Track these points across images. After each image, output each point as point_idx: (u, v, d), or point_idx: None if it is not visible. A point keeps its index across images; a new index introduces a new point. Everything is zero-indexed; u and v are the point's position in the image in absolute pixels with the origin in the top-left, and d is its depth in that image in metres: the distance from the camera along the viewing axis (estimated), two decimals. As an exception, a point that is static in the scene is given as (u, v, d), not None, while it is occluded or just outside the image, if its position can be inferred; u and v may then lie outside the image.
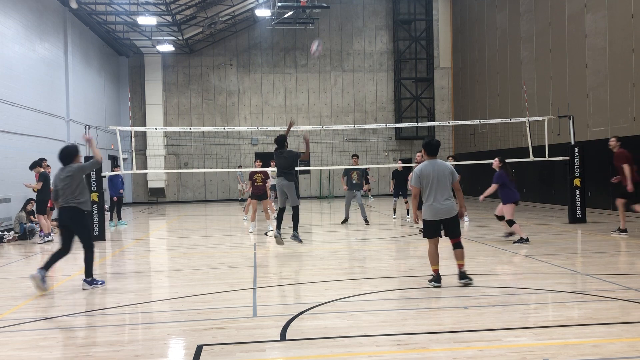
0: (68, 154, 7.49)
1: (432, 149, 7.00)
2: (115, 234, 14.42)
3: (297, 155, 9.94)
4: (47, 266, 7.28)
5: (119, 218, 16.58)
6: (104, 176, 13.32)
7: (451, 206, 6.84)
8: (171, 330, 5.40)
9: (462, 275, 6.86)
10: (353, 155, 15.51)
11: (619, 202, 11.20)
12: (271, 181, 16.66)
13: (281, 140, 10.00)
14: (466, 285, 6.80)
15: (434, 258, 6.91)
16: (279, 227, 10.02)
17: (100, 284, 7.53)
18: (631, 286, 6.62)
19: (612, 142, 11.32)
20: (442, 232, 6.97)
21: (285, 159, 9.84)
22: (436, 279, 6.86)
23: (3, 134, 15.01)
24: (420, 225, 7.82)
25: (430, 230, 6.91)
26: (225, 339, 4.97)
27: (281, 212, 10.04)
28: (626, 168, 10.80)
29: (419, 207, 7.26)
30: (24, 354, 4.76)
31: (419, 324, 5.28)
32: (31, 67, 17.09)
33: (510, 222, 10.62)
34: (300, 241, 10.13)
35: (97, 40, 23.99)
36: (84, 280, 7.44)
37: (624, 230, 11.20)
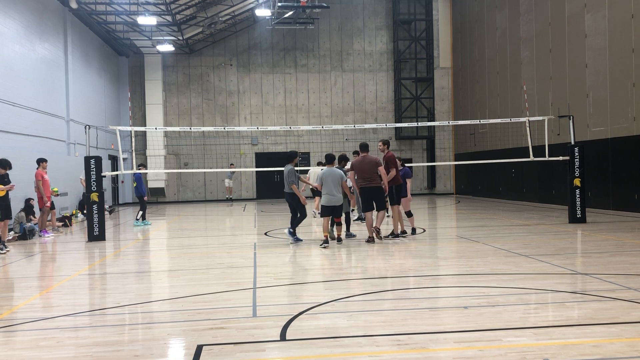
0: None
1: (331, 159, 10.91)
2: (115, 234, 14.42)
3: (342, 176, 11.03)
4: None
5: (143, 218, 16.44)
6: (104, 176, 13.29)
7: (339, 198, 10.69)
8: (171, 330, 5.40)
9: (340, 239, 11.01)
10: None
11: (396, 208, 11.53)
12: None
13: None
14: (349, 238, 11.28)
15: (326, 228, 10.70)
16: (348, 229, 12.05)
17: None
18: (631, 286, 6.62)
19: (380, 145, 11.68)
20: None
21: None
22: (325, 241, 10.54)
23: (3, 134, 15.01)
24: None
25: (325, 212, 10.76)
26: (225, 339, 4.97)
27: (347, 215, 12.04)
28: (393, 172, 11.20)
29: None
30: (24, 354, 4.76)
31: (419, 324, 5.28)
32: (31, 67, 17.09)
33: None
34: (354, 235, 11.92)
35: (97, 40, 23.99)
36: None
37: (404, 232, 11.84)
